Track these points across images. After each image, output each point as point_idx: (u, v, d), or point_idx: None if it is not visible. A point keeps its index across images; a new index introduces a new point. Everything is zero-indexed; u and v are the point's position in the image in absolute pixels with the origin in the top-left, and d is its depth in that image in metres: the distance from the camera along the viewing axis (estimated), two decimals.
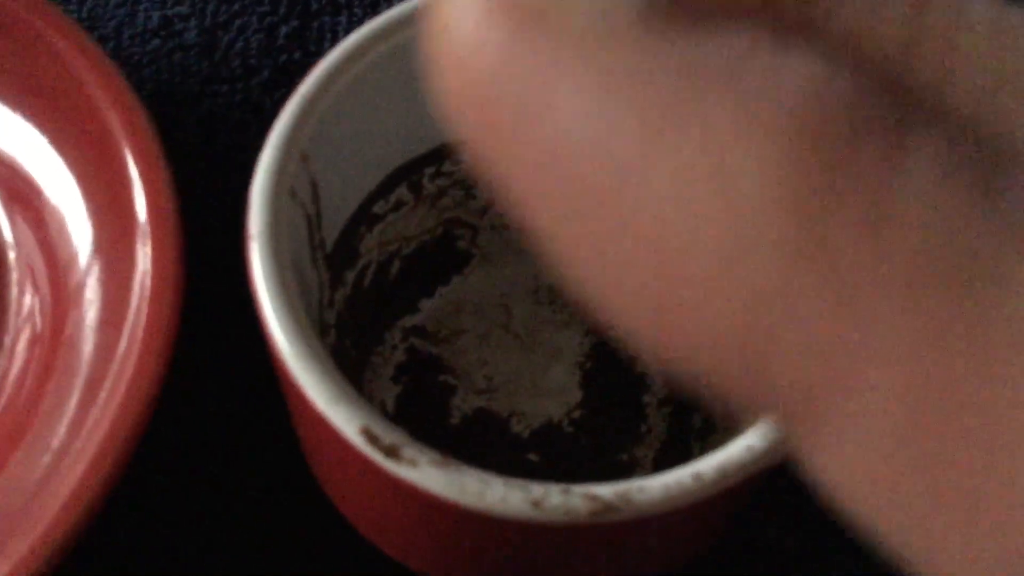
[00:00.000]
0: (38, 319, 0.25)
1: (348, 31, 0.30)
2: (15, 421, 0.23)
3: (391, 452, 0.16)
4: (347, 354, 0.23)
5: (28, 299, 0.25)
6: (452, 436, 0.24)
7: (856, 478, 0.08)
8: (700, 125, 0.07)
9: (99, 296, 0.23)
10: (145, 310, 0.22)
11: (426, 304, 0.26)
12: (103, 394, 0.21)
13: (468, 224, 0.25)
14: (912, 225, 0.07)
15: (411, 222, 0.24)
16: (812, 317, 0.07)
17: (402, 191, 0.23)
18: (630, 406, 0.25)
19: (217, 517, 0.24)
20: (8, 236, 0.26)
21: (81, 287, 0.24)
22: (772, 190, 0.07)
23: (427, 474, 0.15)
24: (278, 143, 0.18)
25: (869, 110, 0.07)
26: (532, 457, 0.24)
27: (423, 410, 0.24)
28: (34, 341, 0.24)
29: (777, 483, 0.24)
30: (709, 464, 0.16)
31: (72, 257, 0.24)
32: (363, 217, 0.22)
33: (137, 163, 0.24)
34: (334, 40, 0.30)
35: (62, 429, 0.22)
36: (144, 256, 0.22)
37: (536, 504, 0.15)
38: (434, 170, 0.23)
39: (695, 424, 0.24)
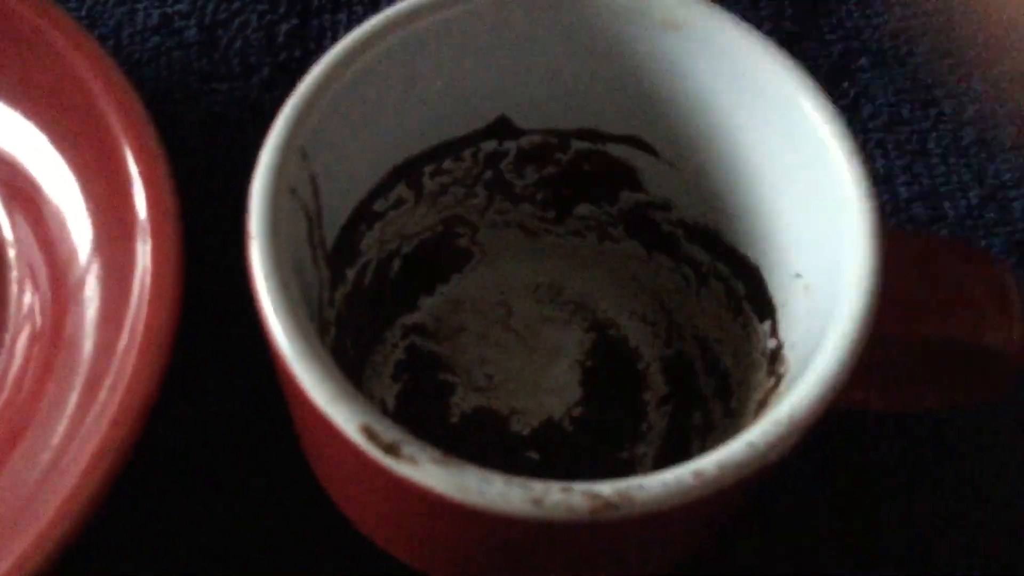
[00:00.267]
0: (38, 317, 0.25)
1: (348, 29, 0.30)
2: (15, 419, 0.23)
3: (391, 450, 0.15)
4: (347, 352, 0.23)
5: (28, 297, 0.25)
6: (452, 434, 0.24)
7: None
8: None
9: (99, 294, 0.23)
10: (145, 308, 0.22)
11: (426, 302, 0.26)
12: (103, 392, 0.21)
13: (468, 222, 0.25)
14: None
15: (411, 220, 0.24)
16: None
17: (402, 189, 0.23)
18: (630, 404, 0.25)
19: (217, 516, 0.24)
20: (8, 234, 0.26)
21: (81, 285, 0.24)
22: None
23: (427, 472, 0.15)
24: (278, 141, 0.18)
25: None
26: (532, 455, 0.24)
27: (423, 408, 0.24)
28: (34, 339, 0.24)
29: (777, 483, 0.24)
30: (710, 461, 0.16)
31: (72, 255, 0.24)
32: (363, 215, 0.22)
33: (137, 161, 0.23)
34: (334, 38, 0.30)
35: (62, 427, 0.22)
36: (144, 254, 0.22)
37: (537, 502, 0.15)
38: (434, 168, 0.23)
39: (695, 422, 0.24)
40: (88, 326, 0.23)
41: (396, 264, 0.24)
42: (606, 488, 0.15)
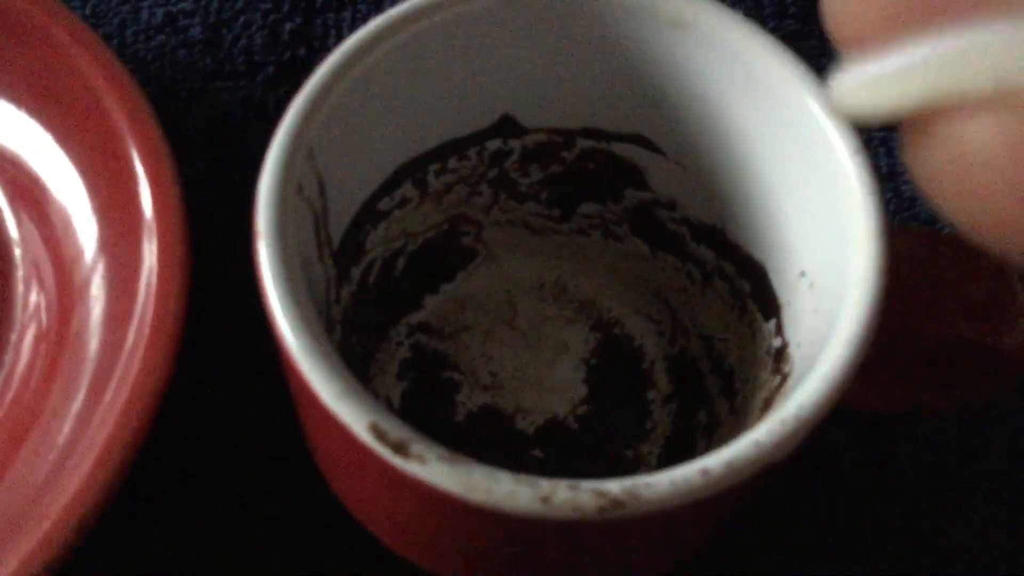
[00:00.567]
0: (44, 316, 0.25)
1: (352, 27, 0.30)
2: (21, 418, 0.23)
3: (399, 448, 0.16)
4: (353, 351, 0.23)
5: (34, 296, 0.25)
6: (457, 433, 0.24)
7: None
8: None
9: (105, 293, 0.23)
10: (151, 307, 0.22)
11: (431, 301, 0.26)
12: (109, 391, 0.21)
13: (473, 221, 0.25)
14: None
15: (416, 218, 0.24)
16: None
17: (407, 187, 0.23)
18: (635, 403, 0.25)
19: (223, 514, 0.24)
20: (14, 233, 0.26)
21: (87, 284, 0.24)
22: None
23: (435, 470, 0.15)
24: (285, 140, 0.18)
25: None
26: (537, 453, 0.24)
27: (428, 407, 0.24)
28: (40, 338, 0.24)
29: (783, 482, 0.24)
30: (717, 460, 0.16)
31: (78, 254, 0.24)
32: (369, 214, 0.22)
33: (143, 160, 0.24)
34: (338, 36, 0.30)
35: (68, 426, 0.22)
36: (150, 253, 0.22)
37: (544, 500, 0.15)
38: (439, 167, 0.23)
39: (700, 420, 0.24)
40: (94, 325, 0.23)
41: (401, 262, 0.24)
42: (614, 486, 0.15)
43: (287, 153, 0.18)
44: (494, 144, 0.23)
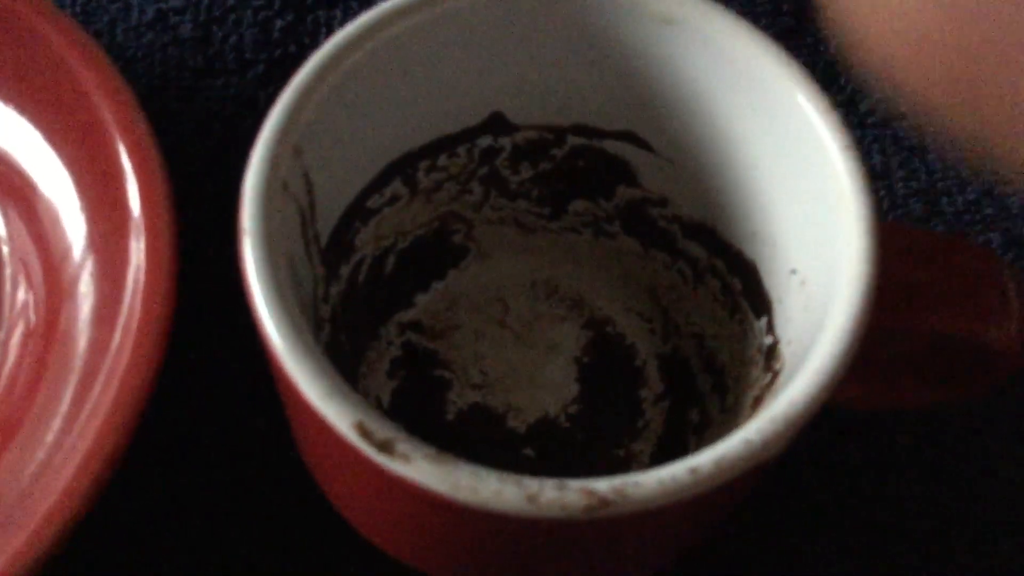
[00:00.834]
0: (32, 314, 0.25)
1: (343, 24, 0.30)
2: (9, 416, 0.23)
3: (385, 447, 0.15)
4: (342, 349, 0.23)
5: (22, 294, 0.25)
6: (448, 431, 0.24)
7: None
8: None
9: (93, 291, 0.23)
10: (139, 305, 0.22)
11: (421, 299, 0.25)
12: (97, 389, 0.21)
13: (463, 218, 0.25)
14: None
15: (406, 216, 0.24)
16: None
17: (397, 185, 0.23)
18: (627, 401, 0.25)
19: (210, 513, 0.24)
20: (2, 230, 0.26)
21: (75, 282, 0.24)
22: None
23: (421, 469, 0.15)
24: (271, 137, 0.18)
25: None
26: (528, 452, 0.24)
27: (419, 405, 0.24)
28: (28, 336, 0.24)
29: (773, 481, 0.24)
30: (705, 458, 0.16)
31: (66, 251, 0.24)
32: (357, 211, 0.22)
33: (131, 157, 0.23)
34: (329, 33, 0.30)
35: (56, 424, 0.22)
36: (138, 250, 0.22)
37: (531, 499, 0.15)
38: (429, 164, 0.23)
39: (692, 419, 0.24)
40: (82, 323, 0.23)
41: (391, 261, 0.24)
42: (601, 485, 0.15)
43: (272, 151, 0.18)
44: (484, 141, 0.23)
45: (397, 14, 0.20)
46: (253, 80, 0.30)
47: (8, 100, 0.26)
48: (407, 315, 0.25)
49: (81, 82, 0.25)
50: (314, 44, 0.30)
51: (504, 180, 0.24)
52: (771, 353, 0.21)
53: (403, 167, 0.23)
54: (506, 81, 0.22)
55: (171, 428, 0.24)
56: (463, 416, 0.24)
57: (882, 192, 0.29)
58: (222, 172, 0.28)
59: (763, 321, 0.21)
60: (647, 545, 0.19)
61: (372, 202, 0.22)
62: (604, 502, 0.15)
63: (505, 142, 0.23)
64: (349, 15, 0.31)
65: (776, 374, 0.20)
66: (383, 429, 0.16)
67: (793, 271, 0.20)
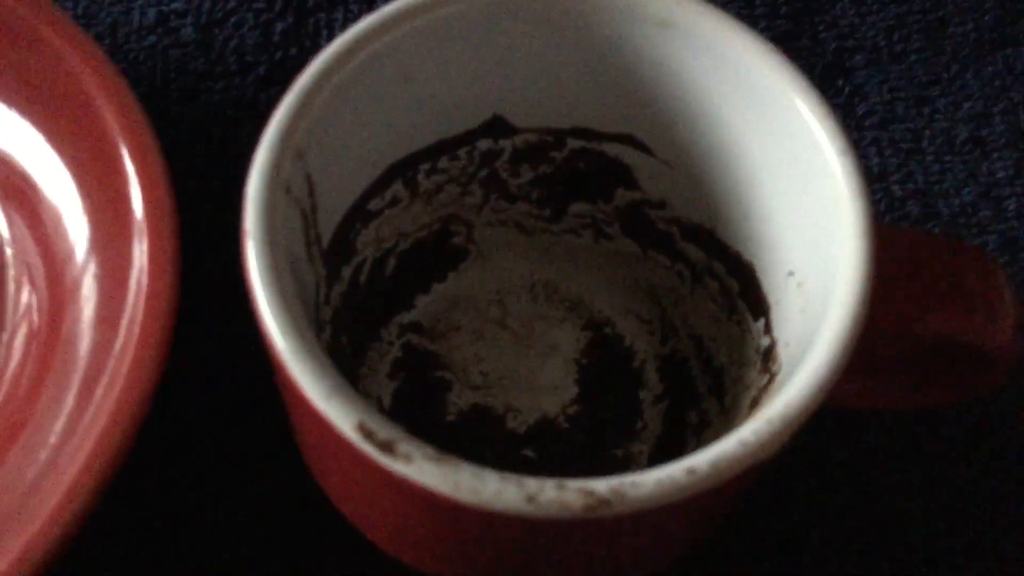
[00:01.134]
0: (35, 316, 0.25)
1: (344, 27, 0.30)
2: (12, 417, 0.23)
3: (386, 447, 0.16)
4: (343, 351, 0.23)
5: (25, 296, 0.25)
6: (448, 432, 0.24)
7: None
8: None
9: (96, 293, 0.23)
10: (142, 307, 0.22)
11: (422, 300, 0.26)
12: (100, 391, 0.21)
13: (464, 220, 0.25)
14: None
15: (407, 218, 0.24)
16: None
17: (398, 187, 0.23)
18: (626, 402, 0.25)
19: (213, 514, 0.24)
20: (5, 233, 0.26)
21: (78, 284, 0.24)
22: None
23: (422, 469, 0.15)
24: (273, 140, 0.18)
25: None
26: (528, 453, 0.24)
27: (419, 406, 0.24)
28: (31, 338, 0.24)
29: (771, 481, 0.24)
30: (703, 459, 0.16)
31: (69, 254, 0.24)
32: (359, 213, 0.22)
33: (133, 160, 0.24)
34: (330, 36, 0.30)
35: (59, 426, 0.22)
36: (140, 253, 0.22)
37: (531, 499, 0.15)
38: (429, 166, 0.23)
39: (690, 419, 0.24)
40: (85, 325, 0.23)
41: (392, 262, 0.24)
42: (600, 485, 0.15)
43: (275, 154, 0.18)
44: (484, 144, 0.23)
45: (398, 18, 0.20)
46: (254, 82, 0.30)
47: (10, 102, 0.26)
48: (407, 316, 0.25)
49: (83, 85, 0.25)
50: (315, 47, 0.30)
51: (504, 182, 0.24)
52: (768, 354, 0.21)
53: (404, 169, 0.23)
54: (506, 84, 0.22)
55: (174, 430, 0.25)
56: (463, 417, 0.24)
57: (879, 194, 0.29)
58: (223, 174, 0.28)
59: (761, 322, 0.21)
60: (646, 544, 0.19)
61: (373, 204, 0.23)
62: (603, 502, 0.15)
63: (505, 145, 0.24)
64: (350, 18, 0.31)
65: (773, 375, 0.20)
66: (385, 430, 0.16)
67: (790, 273, 0.20)
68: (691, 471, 0.16)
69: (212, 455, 0.25)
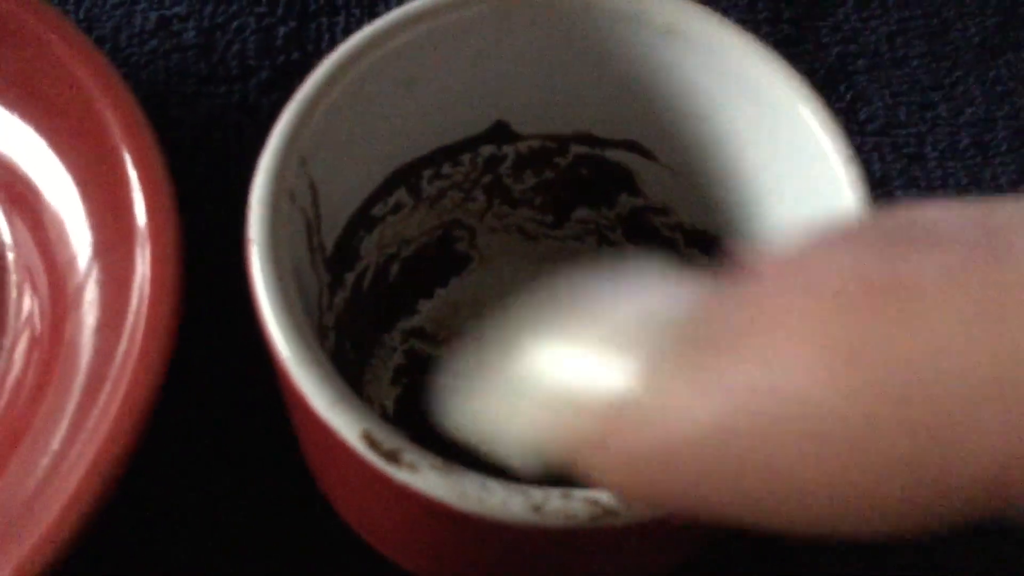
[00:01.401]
0: (37, 322, 0.25)
1: (346, 32, 0.30)
2: (14, 424, 0.23)
3: (391, 457, 0.16)
4: (346, 357, 0.23)
5: (27, 302, 0.25)
6: (452, 439, 0.24)
7: None
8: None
9: (98, 299, 0.23)
10: (144, 313, 0.22)
11: (425, 306, 0.26)
12: (102, 397, 0.21)
13: (467, 226, 0.25)
14: None
15: (410, 224, 0.24)
16: None
17: (401, 193, 0.23)
18: None
19: (216, 521, 0.24)
20: (7, 238, 0.26)
21: (80, 290, 0.24)
22: None
23: (428, 479, 0.15)
24: (277, 147, 0.18)
25: None
26: None
27: (423, 412, 0.24)
28: (33, 344, 0.24)
29: None
30: None
31: (71, 260, 0.24)
32: (362, 220, 0.22)
33: (136, 165, 0.23)
34: (332, 41, 0.30)
35: (61, 432, 0.22)
36: (143, 259, 0.22)
37: (537, 508, 0.15)
38: (433, 172, 0.23)
39: None
40: (87, 331, 0.23)
41: (395, 268, 0.24)
42: (606, 495, 0.15)
43: (279, 161, 0.18)
44: (488, 150, 0.23)
45: (402, 25, 0.20)
46: (256, 87, 0.30)
47: (12, 107, 0.26)
48: (411, 322, 0.25)
49: (85, 89, 0.25)
50: (317, 51, 0.30)
51: (507, 188, 0.24)
52: None
53: (407, 176, 0.23)
54: (509, 91, 0.22)
55: (176, 436, 0.25)
56: None
57: (882, 200, 0.29)
58: (226, 179, 0.28)
59: None
60: (650, 553, 0.19)
61: (377, 210, 0.22)
62: (609, 512, 0.15)
63: (508, 151, 0.23)
64: (352, 22, 0.31)
65: None
66: (390, 438, 0.16)
67: None
68: None
69: (215, 461, 0.25)
